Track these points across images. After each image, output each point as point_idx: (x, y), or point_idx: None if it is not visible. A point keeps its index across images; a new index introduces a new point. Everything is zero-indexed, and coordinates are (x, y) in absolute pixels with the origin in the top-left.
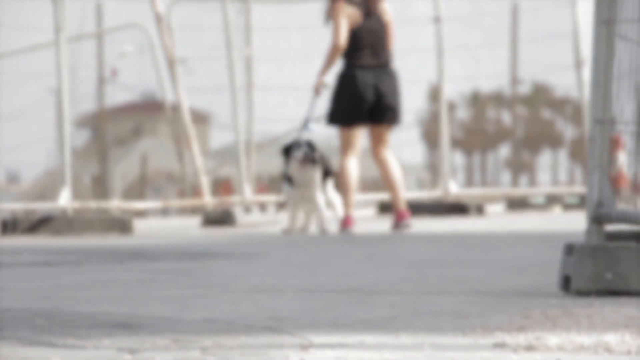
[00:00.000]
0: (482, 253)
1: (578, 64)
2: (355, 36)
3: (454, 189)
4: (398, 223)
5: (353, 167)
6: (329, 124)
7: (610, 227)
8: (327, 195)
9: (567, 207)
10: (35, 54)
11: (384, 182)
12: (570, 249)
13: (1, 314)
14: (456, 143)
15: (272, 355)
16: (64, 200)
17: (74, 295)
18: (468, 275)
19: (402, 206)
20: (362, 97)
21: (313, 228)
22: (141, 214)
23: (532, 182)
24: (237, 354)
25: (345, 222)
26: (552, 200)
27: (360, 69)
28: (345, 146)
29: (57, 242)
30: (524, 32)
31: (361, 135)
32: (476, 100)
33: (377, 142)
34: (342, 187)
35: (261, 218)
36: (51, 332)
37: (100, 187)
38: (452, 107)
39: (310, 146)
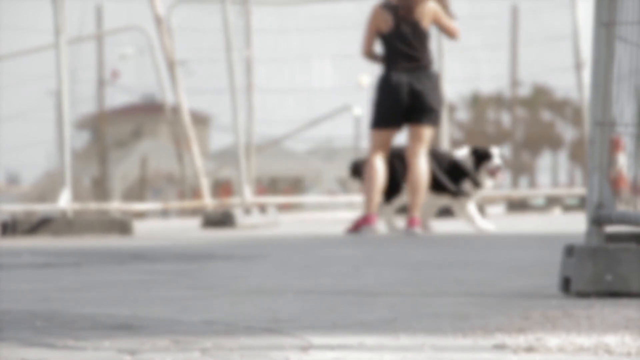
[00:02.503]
0: (482, 254)
1: (578, 66)
2: (387, 41)
3: None
4: (406, 229)
5: (380, 167)
6: (371, 128)
7: (610, 229)
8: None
9: (567, 208)
10: (35, 56)
11: (407, 182)
12: (570, 251)
13: (1, 315)
14: (456, 144)
15: (272, 356)
16: (64, 201)
17: (74, 296)
18: (468, 276)
19: (415, 213)
20: (396, 98)
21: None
22: (141, 215)
23: (532, 183)
24: (237, 355)
25: (368, 220)
26: (552, 201)
27: (394, 72)
28: (376, 146)
29: (57, 244)
30: (523, 34)
31: (393, 138)
32: (476, 102)
33: (412, 141)
34: (367, 185)
35: (261, 220)
36: (51, 334)
37: (100, 189)
38: (452, 108)
39: (503, 158)
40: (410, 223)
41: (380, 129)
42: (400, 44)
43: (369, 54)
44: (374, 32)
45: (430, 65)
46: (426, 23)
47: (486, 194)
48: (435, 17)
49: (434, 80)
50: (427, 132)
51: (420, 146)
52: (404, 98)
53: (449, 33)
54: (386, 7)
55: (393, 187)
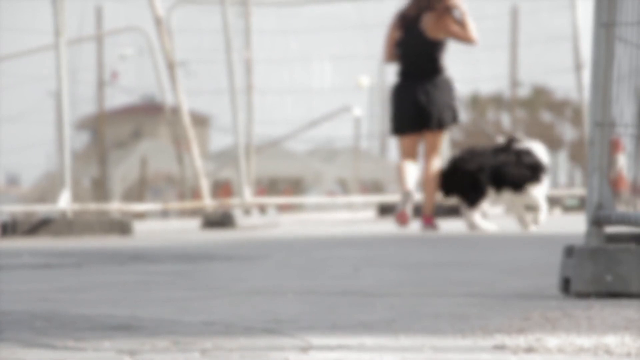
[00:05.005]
0: (482, 255)
1: (578, 67)
2: (399, 50)
3: None
4: (422, 226)
5: (407, 170)
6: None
7: (610, 229)
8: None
9: (567, 209)
10: (35, 57)
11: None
12: (570, 251)
13: (1, 316)
14: (456, 145)
15: (272, 357)
16: (64, 202)
17: (74, 297)
18: (467, 277)
19: (428, 211)
20: (402, 106)
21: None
22: (141, 216)
23: None
24: (237, 355)
25: (401, 218)
26: (551, 202)
27: (401, 79)
28: (401, 154)
29: (57, 245)
30: (523, 35)
31: (412, 142)
32: (476, 103)
33: (425, 146)
34: (399, 188)
35: (261, 220)
36: (51, 334)
37: (100, 190)
38: None
39: None
40: (425, 221)
41: (399, 135)
42: (408, 53)
43: (389, 60)
44: (392, 40)
45: (437, 73)
46: (433, 33)
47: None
48: (443, 28)
49: (440, 88)
50: (432, 136)
51: (429, 150)
52: (409, 105)
53: (463, 40)
54: (400, 16)
55: (476, 192)
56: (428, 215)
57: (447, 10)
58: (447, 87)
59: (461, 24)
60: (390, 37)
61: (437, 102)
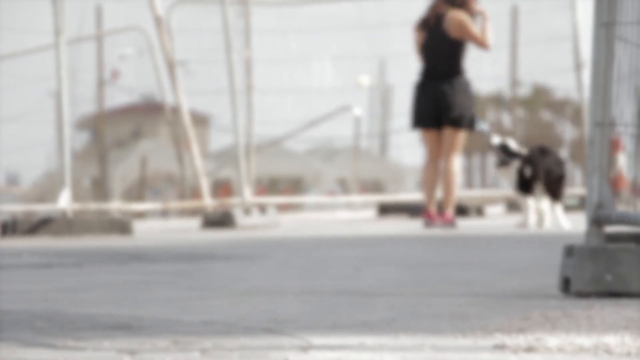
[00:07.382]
0: (482, 255)
1: (578, 66)
2: (421, 53)
3: None
4: (443, 223)
5: (429, 168)
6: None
7: (610, 229)
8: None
9: (567, 208)
10: (35, 57)
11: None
12: (570, 251)
13: (1, 315)
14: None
15: (272, 356)
16: (64, 202)
17: (74, 297)
18: (468, 276)
19: (448, 209)
20: (420, 103)
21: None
22: (141, 215)
23: None
24: (237, 355)
25: (425, 215)
26: None
27: (423, 78)
28: (426, 150)
29: (57, 244)
30: (523, 35)
31: (436, 138)
32: (476, 103)
33: (443, 144)
34: (423, 185)
35: (261, 220)
36: (51, 334)
37: (100, 189)
38: None
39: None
40: (446, 219)
41: (422, 131)
42: (429, 54)
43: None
44: (420, 44)
45: (456, 73)
46: (454, 32)
47: (486, 195)
48: (459, 28)
49: (458, 88)
50: (450, 134)
51: (448, 149)
52: (429, 101)
53: (479, 44)
54: (422, 20)
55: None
56: (448, 212)
57: (470, 12)
58: (466, 89)
59: (481, 29)
60: (417, 45)
61: (456, 101)
